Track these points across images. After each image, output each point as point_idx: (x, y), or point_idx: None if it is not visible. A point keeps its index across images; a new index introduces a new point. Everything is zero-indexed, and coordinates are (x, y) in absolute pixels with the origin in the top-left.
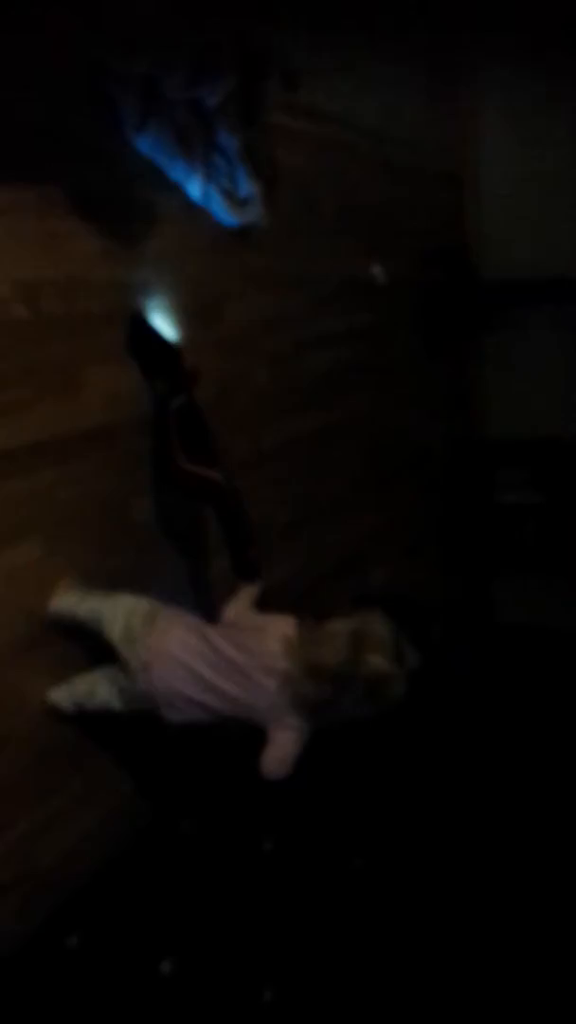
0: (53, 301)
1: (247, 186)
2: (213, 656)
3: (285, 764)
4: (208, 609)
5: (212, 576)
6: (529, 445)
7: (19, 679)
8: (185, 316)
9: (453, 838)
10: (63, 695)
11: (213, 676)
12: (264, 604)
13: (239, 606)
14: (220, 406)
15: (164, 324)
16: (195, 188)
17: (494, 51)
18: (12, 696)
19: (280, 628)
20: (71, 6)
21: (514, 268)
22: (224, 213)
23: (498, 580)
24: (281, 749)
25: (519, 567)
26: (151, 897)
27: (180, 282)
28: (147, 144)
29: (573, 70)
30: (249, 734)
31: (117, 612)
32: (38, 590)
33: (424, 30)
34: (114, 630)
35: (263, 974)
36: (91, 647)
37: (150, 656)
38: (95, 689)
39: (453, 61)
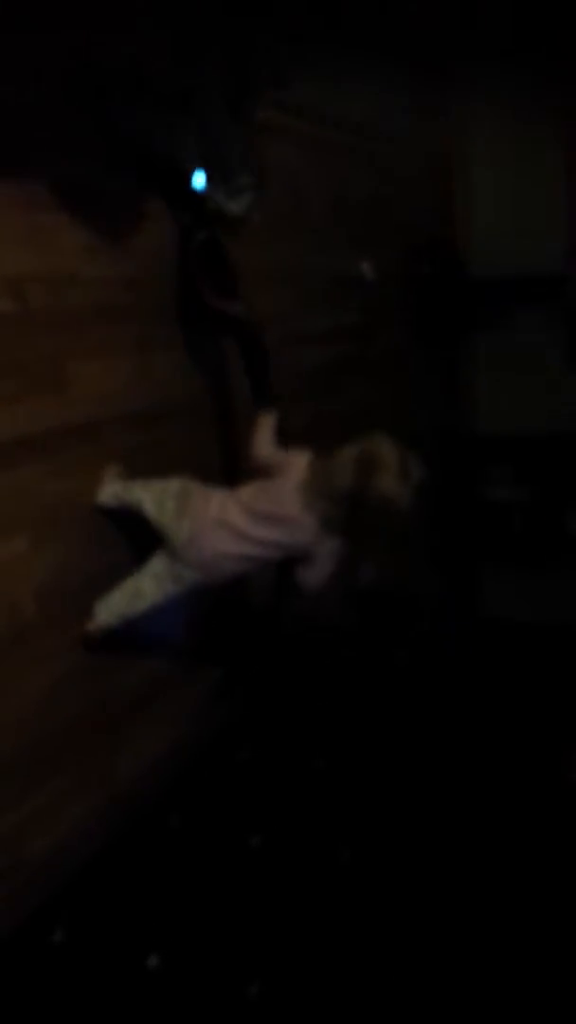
0: (40, 295)
1: (240, 176)
2: (247, 513)
3: (322, 579)
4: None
5: None
6: (517, 440)
7: (7, 673)
8: None
9: (442, 829)
10: (105, 615)
11: (253, 529)
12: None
13: (261, 439)
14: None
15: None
16: (199, 178)
17: (482, 49)
18: (1, 690)
19: (296, 469)
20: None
21: (502, 264)
22: (223, 202)
23: (485, 575)
24: (319, 567)
25: (506, 562)
26: (139, 891)
27: (167, 276)
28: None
29: (561, 67)
30: None
31: (156, 496)
32: (24, 585)
33: (413, 29)
34: (158, 511)
35: (250, 969)
36: (75, 637)
37: (195, 526)
38: (138, 591)
39: (441, 58)
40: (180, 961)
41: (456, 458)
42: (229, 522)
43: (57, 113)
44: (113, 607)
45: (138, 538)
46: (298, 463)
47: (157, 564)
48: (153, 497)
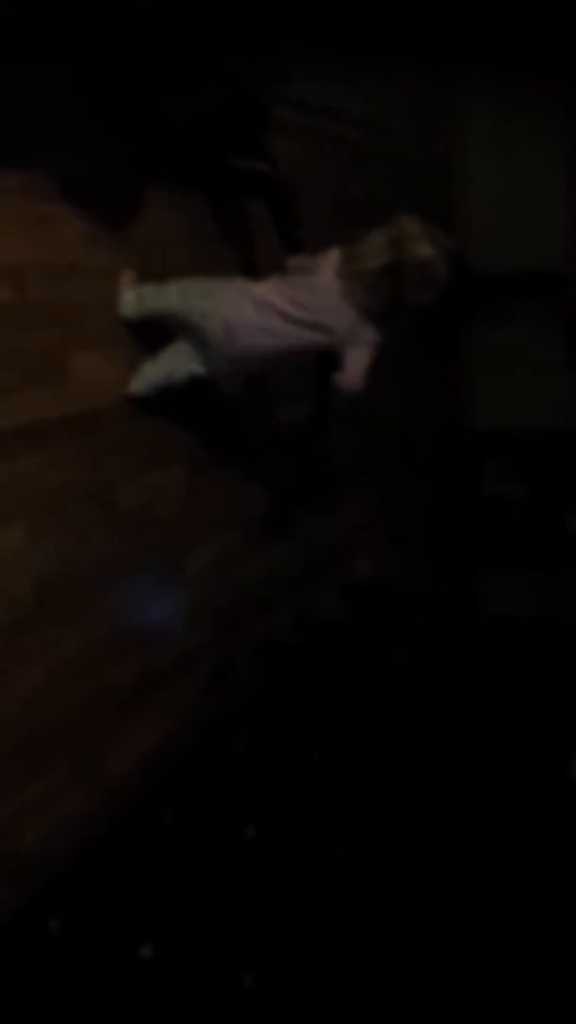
0: (40, 285)
1: None
2: (282, 299)
3: (359, 378)
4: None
5: (194, 564)
6: (516, 437)
7: (4, 664)
8: None
9: (440, 826)
10: (140, 384)
11: (290, 312)
12: None
13: (293, 260)
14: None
15: None
16: None
17: (483, 45)
18: None
19: (328, 260)
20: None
21: (502, 260)
22: None
23: (483, 571)
24: (356, 364)
25: (504, 558)
26: (133, 882)
27: (168, 269)
28: None
29: (560, 66)
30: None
31: (178, 287)
32: (23, 576)
33: (414, 26)
34: (183, 297)
35: (243, 960)
36: (72, 629)
37: (228, 316)
38: (174, 365)
39: (442, 55)
40: (174, 951)
41: (455, 453)
42: (270, 302)
43: (59, 103)
44: (146, 376)
45: (136, 533)
46: (331, 255)
47: (184, 346)
48: (176, 289)
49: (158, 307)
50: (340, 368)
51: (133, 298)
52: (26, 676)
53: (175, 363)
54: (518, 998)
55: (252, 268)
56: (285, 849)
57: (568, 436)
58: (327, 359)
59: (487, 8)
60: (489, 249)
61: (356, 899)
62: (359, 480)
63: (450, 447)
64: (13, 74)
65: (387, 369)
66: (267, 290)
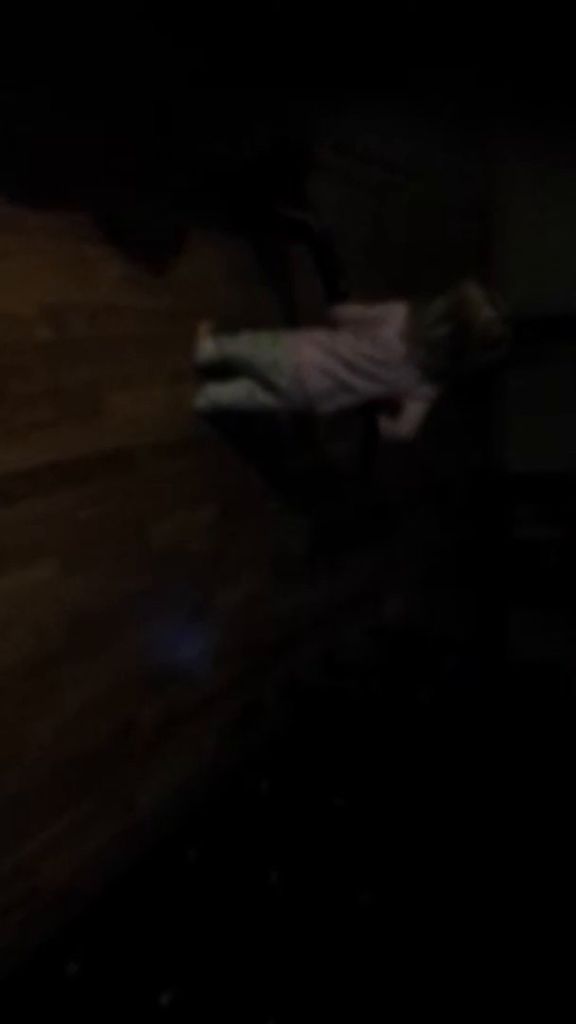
0: (79, 324)
1: None
2: (349, 350)
3: (413, 427)
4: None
5: (223, 603)
6: (548, 480)
7: (31, 698)
8: None
9: (463, 873)
10: (203, 400)
11: (356, 363)
12: None
13: (344, 309)
14: (243, 434)
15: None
16: None
17: (522, 91)
18: (24, 715)
19: (393, 316)
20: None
21: (536, 304)
22: None
23: (514, 615)
24: (414, 416)
25: (535, 602)
26: (154, 925)
27: (204, 309)
28: None
29: None
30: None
31: (250, 337)
32: (52, 611)
33: (454, 75)
34: (255, 346)
35: (263, 1008)
36: (100, 664)
37: (298, 362)
38: (243, 393)
39: (481, 100)
40: (193, 999)
41: (486, 496)
42: (338, 351)
43: (102, 145)
44: (210, 395)
45: (166, 571)
46: (397, 311)
47: (251, 383)
48: (248, 337)
49: (232, 354)
50: (395, 415)
51: (211, 346)
52: (54, 710)
53: (245, 392)
54: None
55: (293, 311)
56: (308, 895)
57: None
58: (374, 405)
59: (528, 53)
60: (524, 292)
61: (379, 947)
62: (391, 521)
63: (482, 489)
64: (60, 118)
65: None
66: (334, 340)
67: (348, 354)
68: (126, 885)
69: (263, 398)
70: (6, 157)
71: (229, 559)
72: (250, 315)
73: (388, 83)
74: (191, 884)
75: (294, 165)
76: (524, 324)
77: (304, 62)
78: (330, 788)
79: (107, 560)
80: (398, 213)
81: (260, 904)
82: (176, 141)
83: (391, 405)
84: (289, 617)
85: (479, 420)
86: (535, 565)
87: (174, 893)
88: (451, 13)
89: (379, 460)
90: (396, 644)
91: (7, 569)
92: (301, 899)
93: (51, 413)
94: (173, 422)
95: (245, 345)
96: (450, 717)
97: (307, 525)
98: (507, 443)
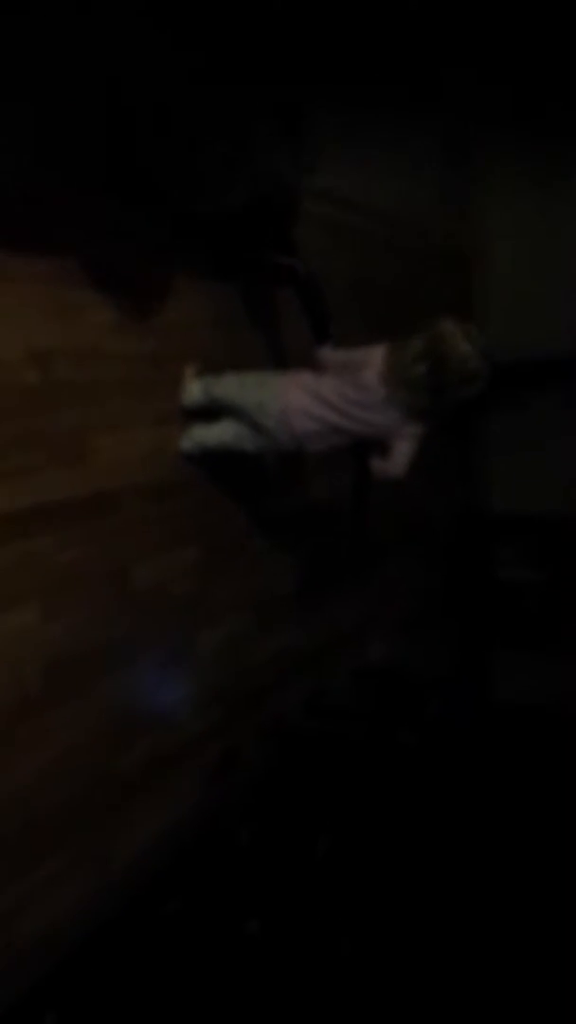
0: (64, 368)
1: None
2: (332, 393)
3: (404, 466)
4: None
5: (205, 646)
6: (531, 521)
7: (9, 747)
8: None
9: (447, 922)
10: (187, 443)
11: (340, 406)
12: None
13: (330, 353)
14: (227, 475)
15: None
16: None
17: (501, 139)
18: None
19: (372, 359)
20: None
21: (519, 346)
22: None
23: (497, 656)
24: (402, 455)
25: (518, 644)
26: (132, 977)
27: (190, 354)
28: None
29: None
30: None
31: (236, 379)
32: (32, 657)
33: (435, 119)
34: (240, 389)
35: None
36: (78, 712)
37: (284, 405)
38: (228, 436)
39: (463, 149)
40: None
41: (469, 537)
42: (322, 394)
43: (92, 193)
44: (195, 437)
45: (148, 614)
46: (375, 354)
47: (237, 426)
48: (235, 379)
49: (219, 396)
50: (384, 456)
51: (198, 389)
52: (30, 761)
53: (231, 434)
54: None
55: (278, 355)
56: (287, 945)
57: None
58: (364, 445)
59: (511, 97)
60: (506, 334)
61: (360, 1002)
62: (374, 563)
63: (465, 531)
64: (47, 163)
65: None
66: (319, 383)
67: (333, 397)
68: (105, 936)
69: (250, 439)
70: None
71: (212, 601)
72: (235, 359)
73: (372, 125)
74: (170, 934)
75: (278, 212)
76: (506, 368)
77: (289, 108)
78: (312, 833)
79: (89, 604)
80: (381, 259)
81: (239, 955)
82: (164, 189)
83: (381, 446)
84: (273, 659)
85: (462, 461)
86: (518, 607)
87: (153, 944)
88: (436, 54)
89: (371, 501)
90: (381, 686)
91: None
92: (279, 950)
93: (36, 456)
94: (158, 464)
95: (231, 386)
96: (434, 761)
97: (292, 566)
98: (490, 484)
